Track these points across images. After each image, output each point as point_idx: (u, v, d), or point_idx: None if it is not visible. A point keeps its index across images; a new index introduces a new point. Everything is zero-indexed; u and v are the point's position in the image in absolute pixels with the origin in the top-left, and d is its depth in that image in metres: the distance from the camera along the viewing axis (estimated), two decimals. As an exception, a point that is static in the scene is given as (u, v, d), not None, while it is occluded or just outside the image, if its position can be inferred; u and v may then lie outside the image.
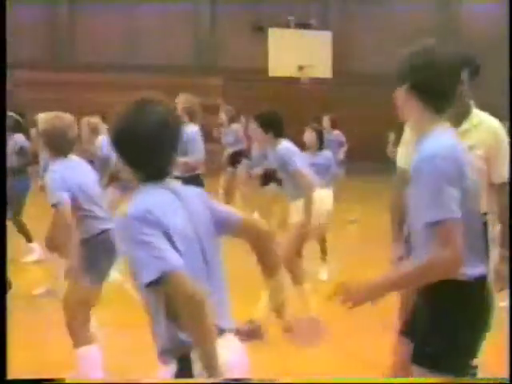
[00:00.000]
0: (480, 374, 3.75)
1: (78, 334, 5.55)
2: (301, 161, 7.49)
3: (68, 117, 5.81)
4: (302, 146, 8.84)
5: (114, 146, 3.00)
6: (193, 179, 8.73)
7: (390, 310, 4.81)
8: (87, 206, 5.66)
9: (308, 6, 27.25)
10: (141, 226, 2.77)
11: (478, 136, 4.64)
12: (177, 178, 9.08)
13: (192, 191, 3.12)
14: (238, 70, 26.66)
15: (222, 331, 2.92)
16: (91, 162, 7.92)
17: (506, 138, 4.75)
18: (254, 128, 7.58)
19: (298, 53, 24.36)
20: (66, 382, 3.26)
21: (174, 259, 2.74)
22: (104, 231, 5.63)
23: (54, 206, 5.45)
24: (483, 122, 4.71)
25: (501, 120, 4.98)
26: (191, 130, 8.80)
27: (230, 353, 2.91)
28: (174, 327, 2.82)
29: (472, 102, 4.75)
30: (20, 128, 10.96)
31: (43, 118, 5.77)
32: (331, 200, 8.67)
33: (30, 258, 10.61)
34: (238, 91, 24.26)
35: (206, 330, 2.72)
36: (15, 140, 10.63)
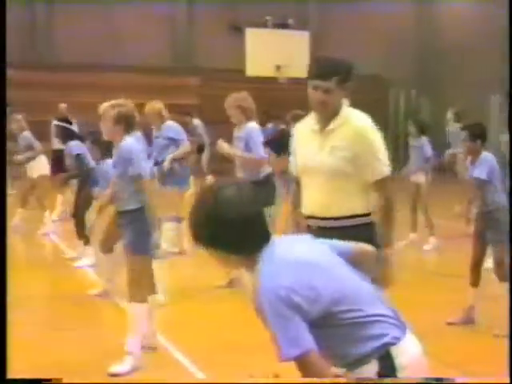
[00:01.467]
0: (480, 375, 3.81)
1: (133, 290, 6.17)
2: None
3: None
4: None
5: (208, 239, 3.04)
6: (265, 181, 8.51)
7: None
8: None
9: (286, 6, 27.27)
10: (282, 305, 2.87)
11: (342, 136, 4.58)
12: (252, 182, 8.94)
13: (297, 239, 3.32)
14: (216, 70, 26.61)
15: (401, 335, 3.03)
16: None
17: (375, 136, 4.63)
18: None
19: (276, 53, 24.36)
20: (63, 382, 3.28)
21: (307, 342, 2.87)
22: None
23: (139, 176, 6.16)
24: (348, 122, 4.62)
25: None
26: (251, 126, 8.72)
27: (410, 355, 3.02)
28: (363, 336, 2.97)
29: (343, 102, 4.68)
30: (73, 135, 10.97)
31: (110, 104, 6.29)
32: None
33: (84, 263, 10.25)
34: (216, 91, 24.12)
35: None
36: (70, 147, 10.58)
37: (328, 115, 4.63)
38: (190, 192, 11.42)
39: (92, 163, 10.05)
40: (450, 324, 7.47)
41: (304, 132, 4.84)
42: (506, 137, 10.26)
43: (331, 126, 4.62)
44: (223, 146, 8.86)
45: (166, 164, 10.39)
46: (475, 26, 26.47)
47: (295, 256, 3.04)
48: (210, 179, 17.67)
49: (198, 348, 6.69)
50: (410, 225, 12.18)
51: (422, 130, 12.36)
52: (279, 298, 2.87)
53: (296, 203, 5.05)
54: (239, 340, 6.97)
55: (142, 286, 6.23)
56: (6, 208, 5.98)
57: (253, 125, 8.75)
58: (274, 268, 2.96)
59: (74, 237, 10.56)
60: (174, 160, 10.47)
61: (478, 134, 7.39)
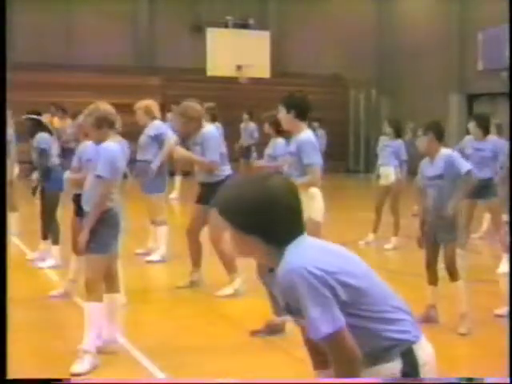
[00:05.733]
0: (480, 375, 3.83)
1: (89, 289, 6.19)
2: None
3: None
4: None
5: (250, 225, 3.02)
6: (222, 183, 8.47)
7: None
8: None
9: (246, 6, 27.28)
10: (316, 282, 2.89)
11: None
12: (205, 184, 8.72)
13: None
14: (177, 69, 26.55)
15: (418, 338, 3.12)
16: None
17: None
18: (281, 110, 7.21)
19: (236, 53, 24.40)
20: (72, 382, 3.27)
21: (340, 320, 2.90)
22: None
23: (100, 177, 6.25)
24: None
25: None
26: (205, 131, 8.71)
27: (428, 352, 3.13)
28: (388, 330, 3.02)
29: None
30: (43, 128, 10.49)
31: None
32: None
33: (48, 264, 10.02)
34: (177, 91, 24.11)
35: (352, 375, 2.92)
36: (38, 141, 10.04)
37: None
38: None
39: (54, 160, 9.90)
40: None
41: None
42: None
43: None
44: (179, 151, 9.04)
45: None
46: (434, 26, 26.66)
47: (328, 246, 3.12)
48: (178, 180, 17.63)
49: (159, 348, 6.69)
50: (373, 224, 12.27)
51: (399, 132, 12.37)
52: (314, 276, 2.89)
53: None
54: (199, 341, 6.98)
55: (98, 286, 6.24)
56: (5, 207, 5.94)
57: (207, 129, 8.76)
58: (304, 250, 2.99)
59: (35, 237, 10.41)
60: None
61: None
